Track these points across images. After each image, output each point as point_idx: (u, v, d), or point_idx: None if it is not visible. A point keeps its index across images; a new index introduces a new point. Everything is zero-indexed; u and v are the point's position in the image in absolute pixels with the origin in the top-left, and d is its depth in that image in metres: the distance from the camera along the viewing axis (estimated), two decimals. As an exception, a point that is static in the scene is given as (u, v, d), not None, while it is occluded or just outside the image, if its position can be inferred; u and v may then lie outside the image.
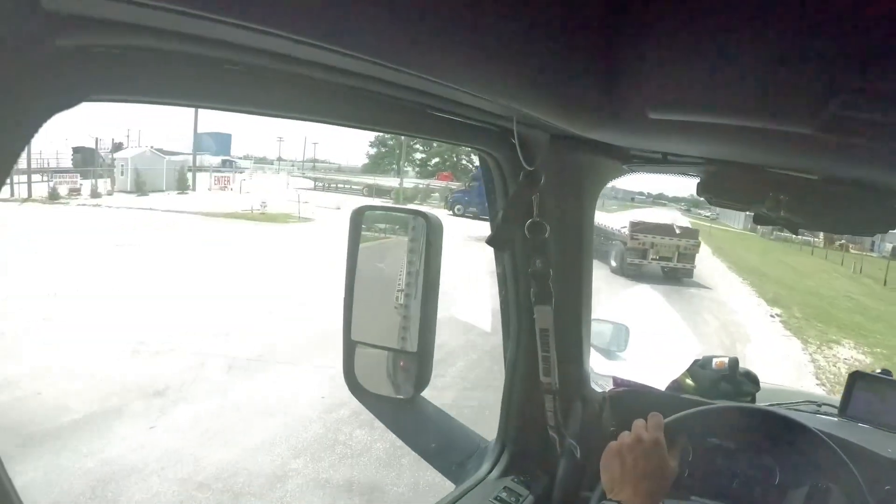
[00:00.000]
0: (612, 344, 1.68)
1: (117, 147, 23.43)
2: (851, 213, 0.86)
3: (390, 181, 28.03)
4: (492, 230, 1.03)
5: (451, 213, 18.41)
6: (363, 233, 1.14)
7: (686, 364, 1.48)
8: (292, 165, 40.56)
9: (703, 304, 10.42)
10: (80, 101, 0.40)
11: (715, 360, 1.44)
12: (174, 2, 0.35)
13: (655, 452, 0.95)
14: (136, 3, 0.35)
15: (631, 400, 1.30)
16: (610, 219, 13.81)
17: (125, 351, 5.59)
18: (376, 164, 36.47)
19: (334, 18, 0.41)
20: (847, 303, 12.54)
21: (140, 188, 19.08)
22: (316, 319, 6.63)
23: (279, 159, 42.74)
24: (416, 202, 21.56)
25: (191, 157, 24.54)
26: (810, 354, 8.17)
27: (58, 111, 0.39)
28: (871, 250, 22.32)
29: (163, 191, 19.87)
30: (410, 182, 28.88)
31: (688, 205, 33.84)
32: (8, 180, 0.39)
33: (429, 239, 1.09)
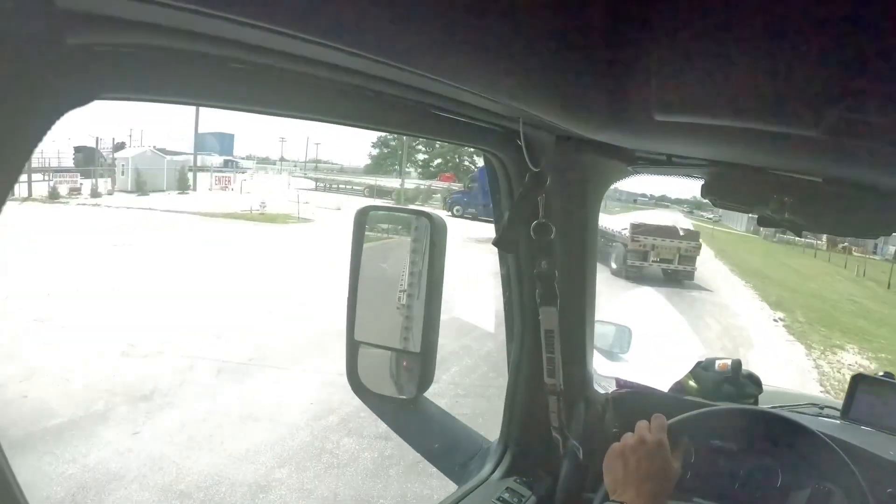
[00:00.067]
0: (615, 346, 1.68)
1: (119, 147, 23.49)
2: (855, 215, 0.86)
3: (392, 182, 28.04)
4: (497, 231, 1.04)
5: (449, 214, 18.37)
6: (366, 233, 1.14)
7: (689, 366, 1.48)
8: (295, 166, 40.63)
9: (706, 308, 10.34)
10: (92, 99, 0.41)
11: (718, 363, 1.44)
12: (184, 0, 0.35)
13: (658, 454, 0.95)
14: (146, 1, 0.35)
15: (634, 401, 1.30)
16: (612, 220, 13.76)
17: (115, 353, 5.55)
18: (378, 165, 36.49)
19: (341, 17, 0.41)
20: (851, 306, 12.45)
21: (140, 188, 19.09)
22: (309, 322, 6.60)
23: (282, 160, 42.85)
24: (416, 203, 21.54)
25: (192, 157, 24.60)
26: (814, 360, 8.09)
27: (70, 109, 0.39)
28: (874, 253, 22.24)
29: (163, 191, 19.89)
30: (412, 183, 28.91)
31: (690, 206, 33.78)
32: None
33: (433, 239, 1.09)
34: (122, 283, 7.65)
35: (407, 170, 32.69)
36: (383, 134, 28.05)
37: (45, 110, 0.38)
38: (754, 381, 1.43)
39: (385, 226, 1.25)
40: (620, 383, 1.36)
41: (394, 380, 1.21)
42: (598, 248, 1.28)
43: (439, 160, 34.98)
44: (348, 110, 0.68)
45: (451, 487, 1.25)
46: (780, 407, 1.32)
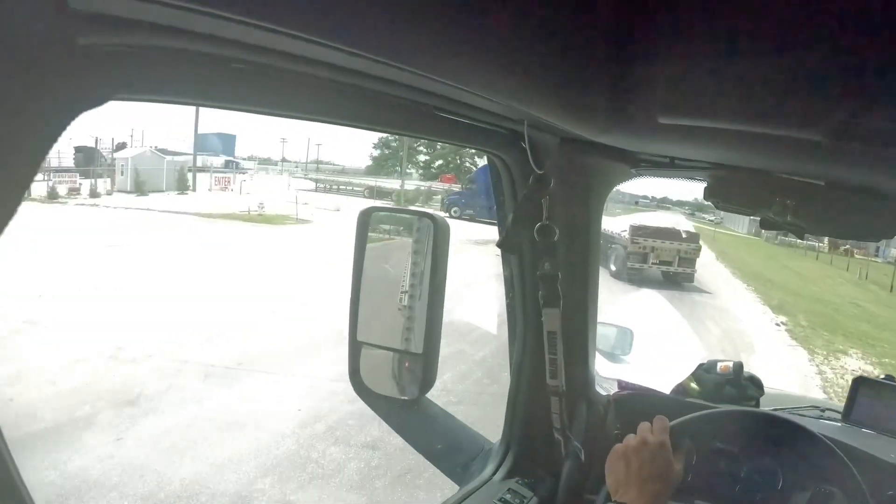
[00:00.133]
0: (617, 347, 1.69)
1: (120, 147, 23.51)
2: (857, 218, 0.86)
3: (392, 183, 28.03)
4: (500, 233, 1.04)
5: (447, 215, 18.30)
6: (369, 234, 1.14)
7: (690, 368, 1.48)
8: (296, 167, 40.67)
9: (706, 312, 10.24)
10: (107, 100, 0.41)
11: (719, 365, 1.44)
12: (196, 1, 0.36)
13: (661, 455, 0.95)
14: (158, 3, 0.35)
15: (635, 403, 1.30)
16: (612, 222, 13.73)
17: (104, 356, 5.47)
18: (380, 166, 36.51)
19: (346, 18, 0.41)
20: (853, 310, 12.37)
21: (139, 188, 19.08)
22: (300, 324, 6.53)
23: (283, 160, 42.89)
24: (416, 204, 21.50)
25: (193, 158, 24.62)
26: (817, 366, 8.00)
27: (84, 110, 0.39)
28: (876, 255, 22.20)
29: (162, 191, 19.88)
30: (412, 184, 28.90)
31: (692, 208, 33.74)
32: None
33: (436, 241, 1.09)
34: (115, 284, 7.59)
35: (408, 171, 32.72)
36: (384, 135, 28.06)
37: (59, 112, 0.37)
38: (756, 384, 1.44)
39: (386, 227, 1.25)
40: (622, 385, 1.37)
41: (396, 381, 1.21)
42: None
43: (440, 161, 35.01)
44: (351, 111, 0.68)
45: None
46: (782, 409, 1.32)
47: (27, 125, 0.36)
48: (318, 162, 42.61)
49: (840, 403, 1.40)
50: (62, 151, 20.91)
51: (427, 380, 1.13)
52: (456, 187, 24.33)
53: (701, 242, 13.35)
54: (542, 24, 0.54)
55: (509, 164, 1.05)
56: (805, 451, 1.13)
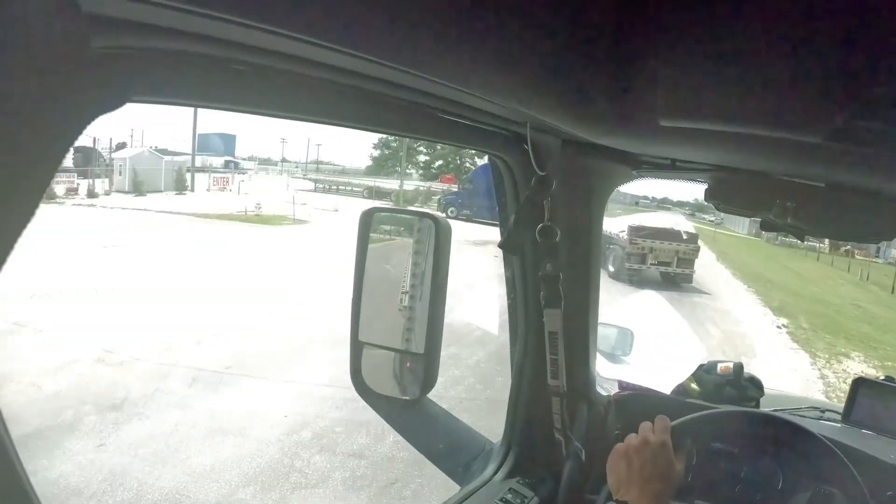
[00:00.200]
0: (617, 348, 1.69)
1: (121, 146, 23.48)
2: (858, 220, 0.87)
3: (391, 183, 28.01)
4: (502, 234, 1.04)
5: (444, 215, 18.09)
6: (371, 234, 1.15)
7: (691, 369, 1.49)
8: (296, 167, 40.67)
9: (707, 314, 10.14)
10: (123, 102, 0.41)
11: (720, 365, 1.45)
12: (205, 6, 0.36)
13: (662, 455, 0.95)
14: (168, 7, 0.36)
15: (636, 403, 1.31)
16: (611, 223, 13.69)
17: (91, 359, 5.38)
18: (380, 167, 36.48)
19: (349, 20, 0.41)
20: (854, 311, 12.31)
21: (138, 188, 18.98)
22: (290, 329, 6.44)
23: (283, 161, 42.89)
24: (416, 205, 21.45)
25: (191, 158, 24.59)
26: (819, 369, 7.91)
27: (101, 113, 0.39)
28: (877, 256, 22.19)
29: (161, 191, 19.80)
30: (412, 185, 28.87)
31: (692, 209, 33.75)
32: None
33: (437, 241, 1.09)
34: (108, 285, 7.50)
35: (408, 171, 32.69)
36: (384, 135, 28.04)
37: (77, 116, 0.37)
38: (756, 385, 1.44)
39: (387, 227, 1.25)
40: (623, 385, 1.37)
41: (397, 381, 1.21)
42: None
43: (440, 162, 34.98)
44: (353, 112, 0.68)
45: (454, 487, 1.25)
46: (782, 410, 1.33)
47: (46, 130, 0.36)
48: (318, 162, 42.63)
49: (840, 405, 1.40)
50: (62, 151, 20.81)
51: (428, 380, 1.14)
52: (455, 188, 24.28)
53: (700, 243, 13.31)
54: (544, 26, 0.54)
55: (511, 166, 1.05)
56: (805, 452, 1.14)
